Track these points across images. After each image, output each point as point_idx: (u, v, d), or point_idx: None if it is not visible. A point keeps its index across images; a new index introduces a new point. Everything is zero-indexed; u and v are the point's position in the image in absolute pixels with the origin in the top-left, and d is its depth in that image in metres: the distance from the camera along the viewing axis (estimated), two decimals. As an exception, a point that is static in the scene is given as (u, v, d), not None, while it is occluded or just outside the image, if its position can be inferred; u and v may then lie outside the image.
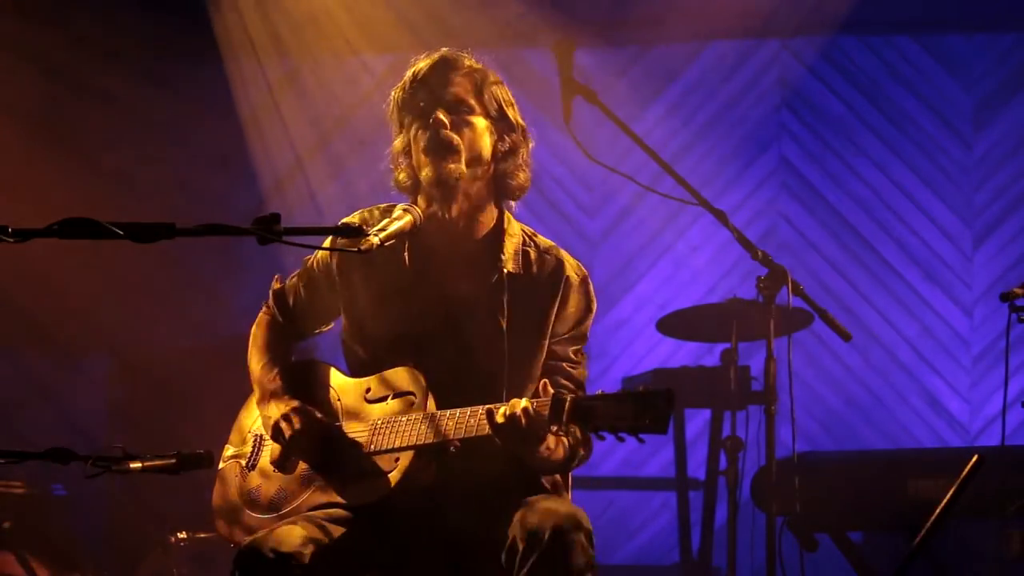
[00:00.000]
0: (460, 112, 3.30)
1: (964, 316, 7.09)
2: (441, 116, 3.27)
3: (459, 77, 3.32)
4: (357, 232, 3.09)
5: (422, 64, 3.35)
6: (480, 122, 3.31)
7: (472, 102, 3.31)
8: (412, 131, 3.33)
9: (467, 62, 3.35)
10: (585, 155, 4.22)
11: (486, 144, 3.31)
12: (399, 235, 3.19)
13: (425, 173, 3.28)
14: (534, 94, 6.75)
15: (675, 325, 5.73)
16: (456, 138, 3.27)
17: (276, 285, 3.58)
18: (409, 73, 3.36)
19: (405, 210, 3.23)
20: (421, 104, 3.31)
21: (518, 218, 3.47)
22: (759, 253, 4.31)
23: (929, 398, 7.07)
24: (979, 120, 7.12)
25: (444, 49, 3.39)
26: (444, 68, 3.33)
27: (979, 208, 7.11)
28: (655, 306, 7.05)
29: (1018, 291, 4.08)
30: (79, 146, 6.48)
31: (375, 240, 3.09)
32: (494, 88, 3.35)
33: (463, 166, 3.27)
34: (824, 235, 7.18)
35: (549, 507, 3.13)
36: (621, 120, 4.35)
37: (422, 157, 3.29)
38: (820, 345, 7.02)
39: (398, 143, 3.39)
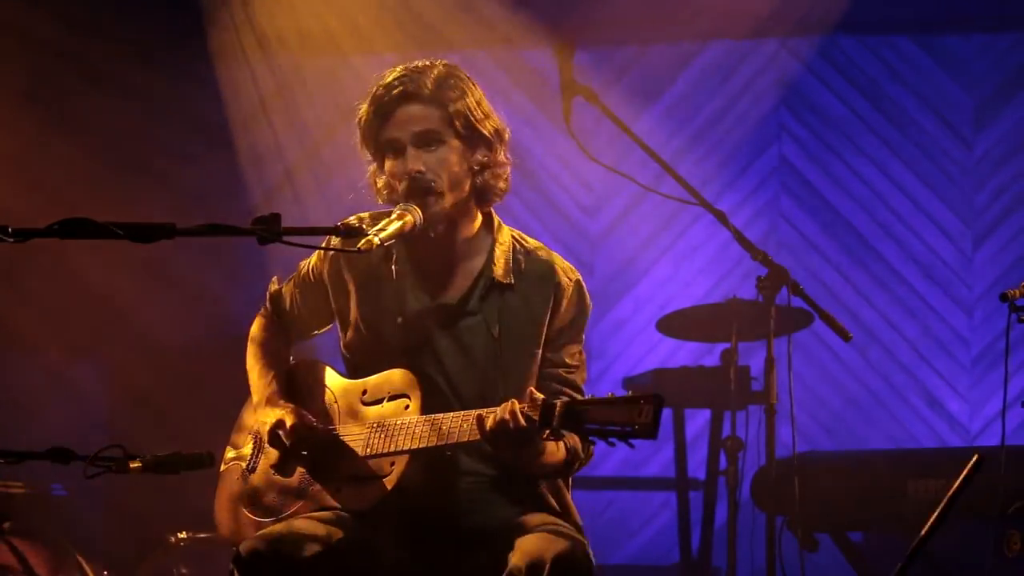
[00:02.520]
0: (430, 145, 3.23)
1: (964, 316, 7.09)
2: (414, 164, 3.21)
3: (422, 107, 3.23)
4: (356, 232, 3.09)
5: (382, 91, 3.25)
6: (452, 147, 3.23)
7: (440, 129, 3.23)
8: (387, 166, 3.28)
9: (428, 82, 3.24)
10: (585, 155, 4.22)
11: (462, 168, 3.25)
12: (399, 235, 3.18)
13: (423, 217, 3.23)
14: (534, 94, 6.76)
15: (675, 325, 5.73)
16: (434, 180, 3.21)
17: (273, 287, 3.58)
18: (370, 100, 3.27)
19: (404, 210, 3.21)
20: (390, 139, 3.25)
21: (519, 219, 3.47)
22: (759, 253, 4.32)
23: (929, 398, 7.07)
24: (979, 120, 7.11)
25: (400, 71, 3.27)
26: (406, 99, 3.23)
27: (979, 208, 7.11)
28: (655, 306, 7.05)
29: (1017, 292, 4.08)
30: (76, 141, 6.48)
31: (375, 240, 3.09)
32: (459, 104, 3.24)
33: (445, 201, 3.23)
34: (824, 235, 7.18)
35: (549, 538, 3.12)
36: (621, 120, 4.35)
37: (403, 198, 3.24)
38: (820, 345, 7.02)
39: (375, 177, 3.34)
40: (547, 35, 6.56)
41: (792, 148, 7.24)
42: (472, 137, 3.26)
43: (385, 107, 3.25)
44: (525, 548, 3.08)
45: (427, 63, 3.30)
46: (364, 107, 3.30)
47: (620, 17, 6.94)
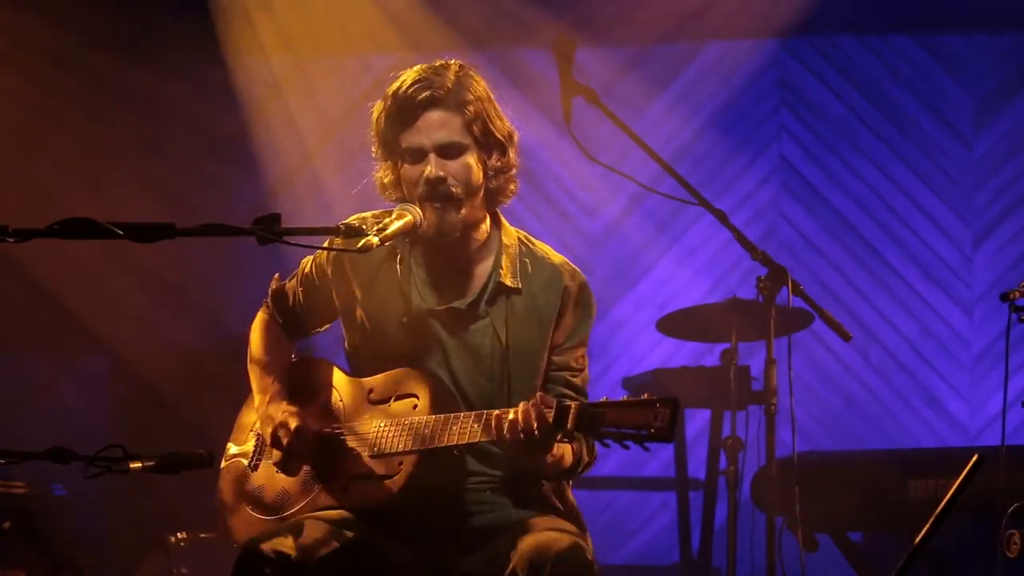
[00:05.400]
0: (452, 155, 3.22)
1: (964, 316, 7.09)
2: (436, 171, 3.20)
3: (444, 114, 3.21)
4: (357, 232, 3.08)
5: (404, 96, 3.22)
6: (472, 155, 3.23)
7: (461, 138, 3.22)
8: (403, 171, 3.26)
9: (449, 86, 3.22)
10: (585, 155, 4.22)
11: (480, 174, 3.25)
12: (399, 235, 3.18)
13: (426, 220, 3.23)
14: (534, 94, 6.75)
15: (675, 325, 5.73)
16: (454, 187, 3.21)
17: (275, 284, 3.58)
18: (390, 101, 3.25)
19: (404, 210, 3.21)
20: (412, 145, 3.22)
21: (519, 219, 3.46)
22: (759, 253, 4.31)
23: (929, 398, 7.07)
24: (979, 120, 7.11)
25: (418, 73, 3.25)
26: (428, 105, 3.21)
27: (979, 208, 7.11)
28: (655, 306, 7.05)
29: (1017, 292, 4.08)
30: (80, 141, 6.48)
31: (375, 240, 3.09)
32: (479, 109, 3.23)
33: (462, 209, 3.23)
34: (824, 235, 7.18)
35: (551, 537, 3.12)
36: (621, 120, 4.34)
37: (419, 204, 3.23)
38: (820, 345, 7.02)
39: (385, 177, 3.32)
40: (547, 35, 6.56)
41: (792, 148, 7.24)
42: (488, 142, 3.26)
43: (407, 112, 3.23)
44: (527, 547, 3.09)
45: (442, 64, 3.28)
46: (381, 108, 3.28)
47: (620, 17, 6.94)
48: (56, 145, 6.45)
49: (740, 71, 7.23)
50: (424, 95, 3.21)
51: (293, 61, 7.20)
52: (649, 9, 6.88)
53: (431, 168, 3.21)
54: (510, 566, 3.07)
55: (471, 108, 3.23)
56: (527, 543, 3.10)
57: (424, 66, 3.28)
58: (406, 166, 3.25)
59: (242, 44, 7.02)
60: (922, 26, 7.13)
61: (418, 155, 3.23)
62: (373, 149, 3.34)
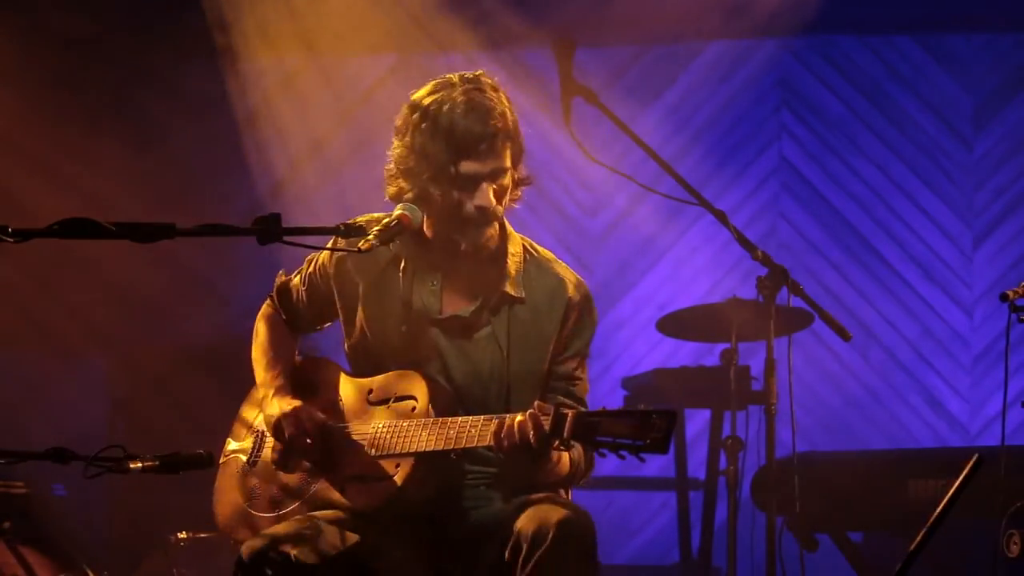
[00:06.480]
0: (501, 181, 3.24)
1: (964, 316, 7.09)
2: (493, 200, 3.22)
3: (503, 145, 3.22)
4: (358, 232, 3.08)
5: (463, 126, 3.18)
6: (509, 177, 3.27)
7: (508, 165, 3.26)
8: (449, 194, 3.21)
9: (503, 114, 3.22)
10: (585, 155, 4.21)
11: (508, 192, 3.31)
12: (399, 235, 3.18)
13: (467, 239, 3.25)
14: (534, 94, 6.75)
15: (675, 325, 5.73)
16: (499, 210, 3.26)
17: (280, 279, 3.57)
18: (445, 124, 3.18)
19: (405, 211, 3.21)
20: (470, 174, 3.19)
21: (519, 219, 3.46)
22: (759, 253, 4.31)
23: (929, 398, 7.07)
24: (979, 120, 7.12)
25: (466, 96, 3.20)
26: (494, 138, 3.19)
27: (979, 208, 7.11)
28: (655, 306, 7.05)
29: (1017, 291, 4.07)
30: (76, 143, 6.48)
31: (376, 241, 3.09)
32: (516, 130, 3.28)
33: (495, 224, 3.28)
34: (824, 235, 7.18)
35: (554, 507, 3.13)
36: (621, 120, 4.34)
37: (458, 223, 3.24)
38: (820, 345, 7.02)
39: (410, 191, 3.27)
40: (547, 35, 6.56)
41: (792, 148, 7.24)
42: (517, 158, 3.31)
43: (469, 141, 3.19)
44: (530, 515, 3.10)
45: (476, 78, 3.26)
46: (430, 127, 3.22)
47: (620, 17, 6.93)
48: (54, 145, 6.45)
49: (740, 71, 7.23)
50: (491, 129, 3.19)
51: (291, 62, 7.20)
52: (650, 9, 6.88)
53: (485, 196, 3.22)
54: (514, 534, 3.07)
55: (513, 131, 3.26)
56: (529, 513, 3.11)
57: (465, 84, 3.24)
58: (460, 194, 3.21)
59: (238, 45, 7.02)
60: (922, 26, 7.13)
61: (475, 183, 3.22)
62: (406, 162, 3.27)
